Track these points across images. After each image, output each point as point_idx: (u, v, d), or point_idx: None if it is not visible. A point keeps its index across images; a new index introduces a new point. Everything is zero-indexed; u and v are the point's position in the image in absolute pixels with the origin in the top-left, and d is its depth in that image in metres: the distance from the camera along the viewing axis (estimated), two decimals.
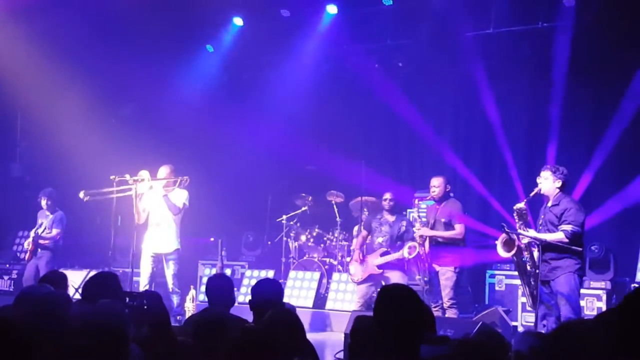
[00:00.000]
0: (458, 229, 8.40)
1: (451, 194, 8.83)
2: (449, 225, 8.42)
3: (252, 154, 12.91)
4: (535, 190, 7.24)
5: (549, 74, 10.86)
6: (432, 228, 8.49)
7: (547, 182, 7.20)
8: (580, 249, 7.00)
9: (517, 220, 7.19)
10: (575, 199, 7.22)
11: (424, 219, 8.84)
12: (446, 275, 8.28)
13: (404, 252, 8.65)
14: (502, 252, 7.28)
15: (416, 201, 9.14)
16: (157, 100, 12.62)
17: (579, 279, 7.07)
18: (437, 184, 8.55)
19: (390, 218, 9.24)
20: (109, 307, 3.08)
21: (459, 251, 8.43)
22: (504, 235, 7.22)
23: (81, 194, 9.11)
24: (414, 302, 3.25)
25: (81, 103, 11.61)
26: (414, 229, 8.69)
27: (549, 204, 7.22)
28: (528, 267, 7.16)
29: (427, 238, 8.45)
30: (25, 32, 11.26)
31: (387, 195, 9.34)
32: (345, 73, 12.45)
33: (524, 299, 9.41)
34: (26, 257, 10.50)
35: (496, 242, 7.37)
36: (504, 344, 3.98)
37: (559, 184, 7.17)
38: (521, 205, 7.20)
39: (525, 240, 7.12)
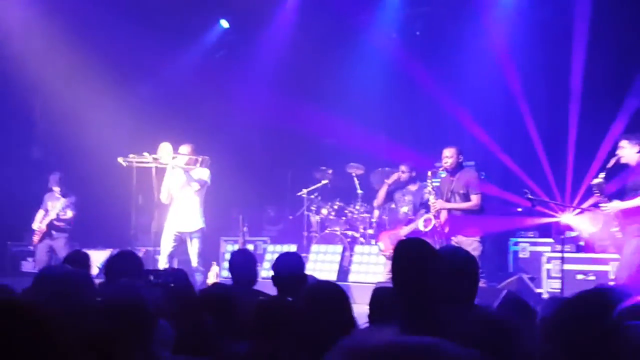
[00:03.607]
0: (474, 200, 8.28)
1: (464, 164, 8.72)
2: (466, 196, 8.31)
3: (271, 128, 12.86)
4: (613, 160, 7.12)
5: (569, 40, 10.72)
6: (449, 200, 8.38)
7: (626, 150, 7.05)
8: None
9: (597, 195, 7.08)
10: None
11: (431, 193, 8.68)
12: (472, 246, 8.12)
13: (419, 225, 8.57)
14: (588, 228, 7.20)
15: (430, 173, 8.92)
16: (176, 78, 12.59)
17: None
18: (449, 154, 8.39)
19: (413, 187, 9.22)
20: (128, 286, 3.06)
21: (481, 220, 8.35)
22: (587, 212, 7.13)
23: (119, 159, 9.09)
24: (430, 254, 3.13)
25: (99, 83, 11.59)
26: (429, 202, 8.57)
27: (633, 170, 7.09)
28: (617, 237, 7.10)
29: (443, 210, 8.37)
30: (43, 15, 11.24)
31: (403, 168, 9.27)
32: (364, 44, 12.34)
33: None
34: (35, 239, 10.46)
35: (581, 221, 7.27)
36: (529, 312, 3.93)
37: (637, 148, 7.02)
38: (598, 180, 7.09)
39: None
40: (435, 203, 8.35)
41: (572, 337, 2.06)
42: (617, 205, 6.98)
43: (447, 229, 8.35)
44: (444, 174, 8.76)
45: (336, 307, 3.41)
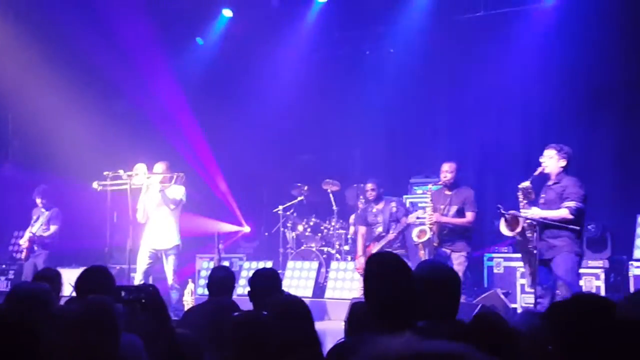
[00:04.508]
0: (469, 217, 8.35)
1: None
2: (461, 212, 8.38)
3: (246, 145, 12.86)
4: (539, 169, 7.21)
5: (540, 54, 10.87)
6: (444, 214, 8.45)
7: (552, 161, 7.16)
8: (579, 227, 7.01)
9: (521, 199, 7.19)
10: (575, 177, 7.21)
11: (426, 204, 8.71)
12: (459, 260, 8.26)
13: (413, 236, 8.60)
14: (505, 231, 7.29)
15: (429, 186, 8.91)
16: (150, 95, 12.55)
17: (577, 258, 7.05)
18: (449, 169, 8.47)
19: (380, 206, 9.26)
20: (96, 300, 3.05)
21: (471, 237, 8.44)
22: (506, 215, 7.23)
23: (94, 184, 9.05)
24: (402, 268, 3.14)
25: (73, 100, 11.53)
26: (426, 213, 8.57)
27: (550, 182, 7.22)
28: (529, 246, 7.16)
29: (437, 223, 8.42)
30: (16, 29, 11.18)
31: (370, 186, 9.30)
32: (337, 60, 12.41)
33: (522, 281, 9.41)
34: (22, 256, 10.45)
35: (500, 221, 7.36)
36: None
37: (563, 162, 7.14)
38: (527, 183, 7.20)
39: (519, 216, 7.15)
40: (432, 216, 8.38)
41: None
42: (537, 212, 7.09)
43: (436, 242, 8.39)
44: (420, 190, 8.78)
45: (298, 320, 3.44)
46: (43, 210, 10.51)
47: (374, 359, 1.19)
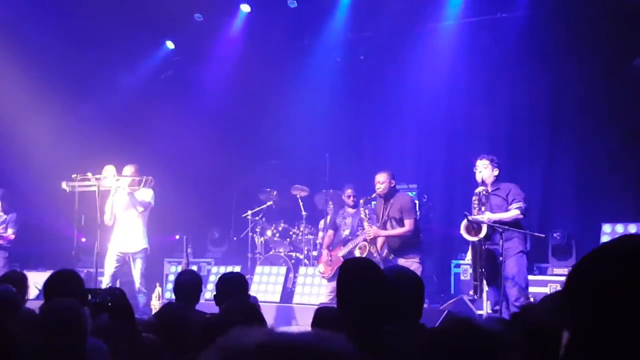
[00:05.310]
0: (407, 225, 8.27)
1: (399, 187, 8.84)
2: (401, 221, 8.33)
3: (215, 150, 12.83)
4: (479, 179, 7.59)
5: (508, 64, 11.00)
6: (385, 224, 8.39)
7: (487, 171, 7.62)
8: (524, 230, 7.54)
9: (475, 205, 7.39)
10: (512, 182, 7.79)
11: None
12: (412, 267, 8.19)
13: (356, 253, 8.62)
14: (466, 236, 7.46)
15: (362, 201, 8.85)
16: (121, 98, 12.47)
17: (525, 257, 7.50)
18: (382, 179, 8.37)
19: (352, 210, 9.31)
20: (62, 303, 3.04)
21: (419, 242, 8.46)
22: (466, 221, 7.40)
23: (63, 185, 8.97)
24: (376, 274, 3.17)
25: (41, 102, 11.41)
26: (364, 229, 8.58)
27: (489, 190, 7.59)
28: (484, 252, 7.37)
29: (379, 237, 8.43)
30: None
31: (349, 192, 9.34)
32: (308, 66, 12.44)
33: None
34: None
35: (461, 225, 7.52)
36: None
37: (496, 172, 7.64)
38: (482, 188, 7.48)
39: (484, 223, 7.33)
40: (370, 230, 8.37)
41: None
42: (491, 216, 7.39)
43: (385, 253, 8.40)
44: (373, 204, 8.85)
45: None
46: (1, 213, 10.36)
47: (223, 351, 1.18)
